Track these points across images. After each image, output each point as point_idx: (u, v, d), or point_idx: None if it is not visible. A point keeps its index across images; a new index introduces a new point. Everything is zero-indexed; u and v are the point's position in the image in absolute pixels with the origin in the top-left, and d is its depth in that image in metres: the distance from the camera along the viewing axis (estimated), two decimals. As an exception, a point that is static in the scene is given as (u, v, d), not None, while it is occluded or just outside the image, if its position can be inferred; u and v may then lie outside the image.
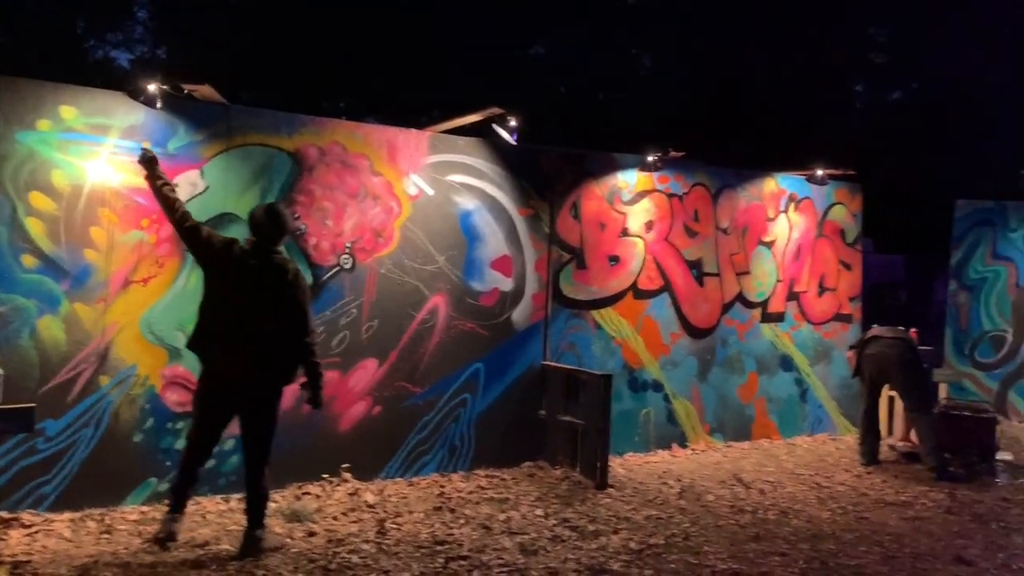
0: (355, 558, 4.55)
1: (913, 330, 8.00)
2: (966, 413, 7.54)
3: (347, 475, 5.95)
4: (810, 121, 20.86)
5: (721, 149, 13.92)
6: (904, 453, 7.49)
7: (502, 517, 5.34)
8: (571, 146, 7.61)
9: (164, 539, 4.53)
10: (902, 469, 7.08)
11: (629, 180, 7.32)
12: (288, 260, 4.61)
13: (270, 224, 4.55)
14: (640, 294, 7.37)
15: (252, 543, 4.51)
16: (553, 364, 6.77)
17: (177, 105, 5.39)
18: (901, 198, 21.35)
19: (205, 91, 5.35)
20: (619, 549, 4.82)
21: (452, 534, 5.01)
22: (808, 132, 19.26)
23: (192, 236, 4.56)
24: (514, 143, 6.43)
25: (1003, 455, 7.53)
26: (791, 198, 8.32)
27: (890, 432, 8.06)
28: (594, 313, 7.13)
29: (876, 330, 7.35)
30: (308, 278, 5.78)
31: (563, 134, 16.66)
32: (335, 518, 5.24)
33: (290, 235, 4.69)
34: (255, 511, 4.56)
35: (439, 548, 4.75)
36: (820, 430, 8.38)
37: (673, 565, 4.60)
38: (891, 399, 7.99)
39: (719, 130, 17.83)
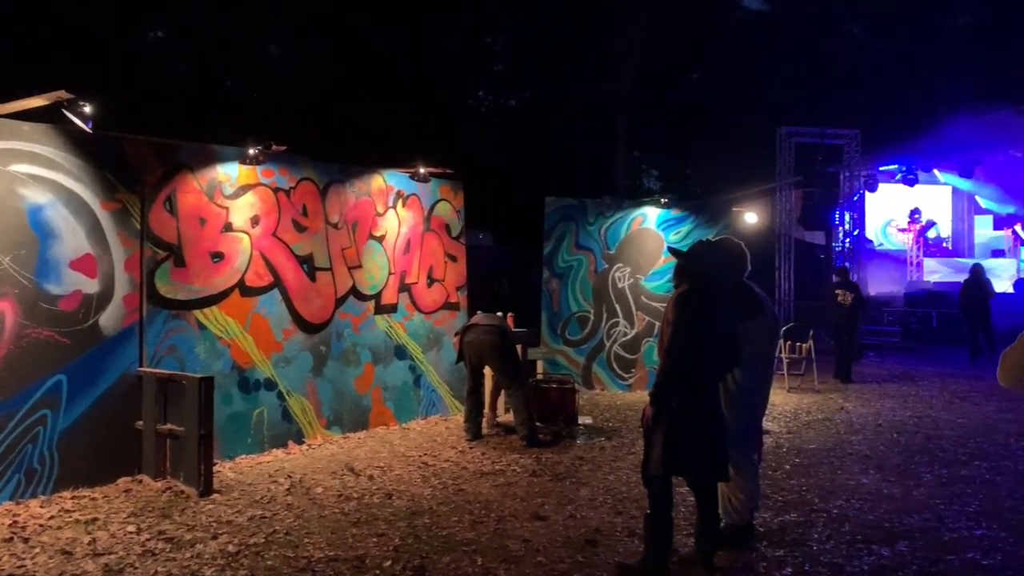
0: None
1: (510, 315, 8.82)
2: (552, 385, 8.50)
3: None
4: (433, 121, 21.93)
5: (340, 145, 14.09)
6: (502, 424, 8.21)
7: (87, 539, 4.89)
8: (184, 137, 7.16)
9: None
10: (500, 441, 7.75)
11: (230, 173, 7.08)
12: None
13: None
14: (248, 291, 7.18)
15: None
16: (150, 370, 6.33)
17: None
18: (516, 195, 23.37)
19: None
20: (216, 554, 4.66)
21: (24, 566, 4.47)
22: (431, 132, 20.24)
23: None
24: (89, 130, 5.88)
25: (584, 419, 8.60)
26: (399, 194, 8.68)
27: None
28: (197, 313, 6.80)
29: (476, 318, 7.96)
30: None
31: (181, 123, 15.66)
32: None
33: None
34: None
35: (2, 585, 4.22)
36: (433, 412, 8.87)
37: (270, 562, 4.57)
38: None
39: (340, 125, 18.00)
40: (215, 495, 5.83)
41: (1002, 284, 19.05)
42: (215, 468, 6.18)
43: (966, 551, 4.86)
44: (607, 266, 10.93)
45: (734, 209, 11.84)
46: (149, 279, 6.45)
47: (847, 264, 15.37)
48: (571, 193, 11.78)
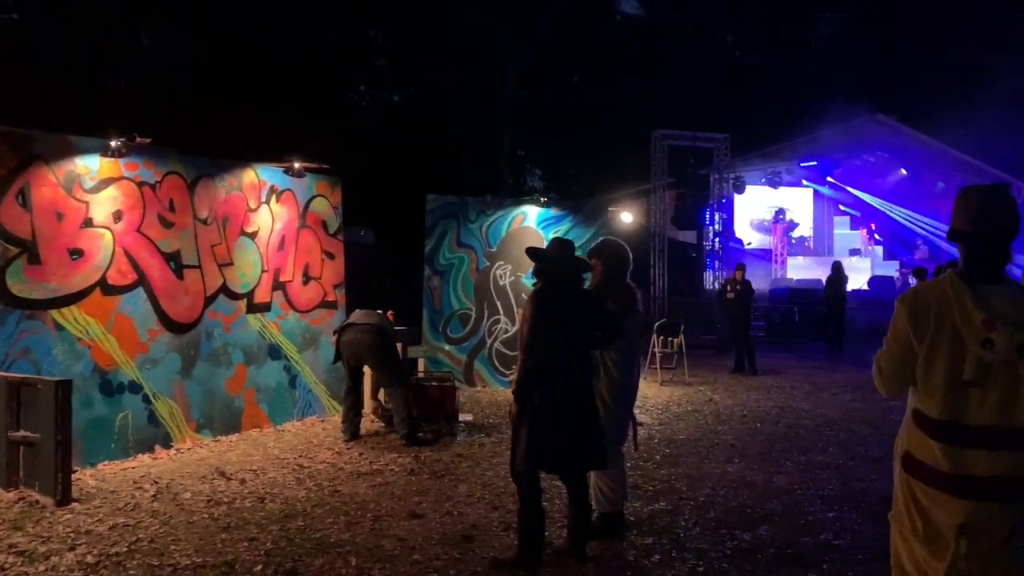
0: None
1: (390, 312, 8.74)
2: (433, 384, 8.50)
3: None
4: (311, 115, 21.46)
5: (211, 138, 13.61)
6: (383, 424, 8.14)
7: (-74, 557, 4.55)
8: (43, 127, 6.71)
9: None
10: (379, 440, 7.68)
11: (91, 166, 6.72)
12: None
13: None
14: (110, 290, 6.83)
15: None
16: (1, 374, 5.93)
17: None
18: (399, 192, 23.19)
19: None
20: (73, 566, 4.43)
21: None
22: (308, 126, 19.81)
23: None
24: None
25: (465, 417, 8.63)
26: (272, 189, 8.45)
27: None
28: (53, 313, 6.41)
29: (354, 316, 7.85)
30: None
31: (39, 112, 14.75)
32: None
33: None
34: None
35: None
36: (310, 413, 8.68)
37: (133, 571, 4.38)
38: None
39: (211, 117, 17.38)
40: (74, 504, 5.53)
41: (858, 281, 20.35)
42: (74, 476, 5.87)
43: (820, 532, 5.17)
44: (488, 264, 11.00)
45: (611, 209, 12.15)
46: (0, 277, 6.04)
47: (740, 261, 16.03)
48: (456, 191, 11.81)
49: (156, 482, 6.12)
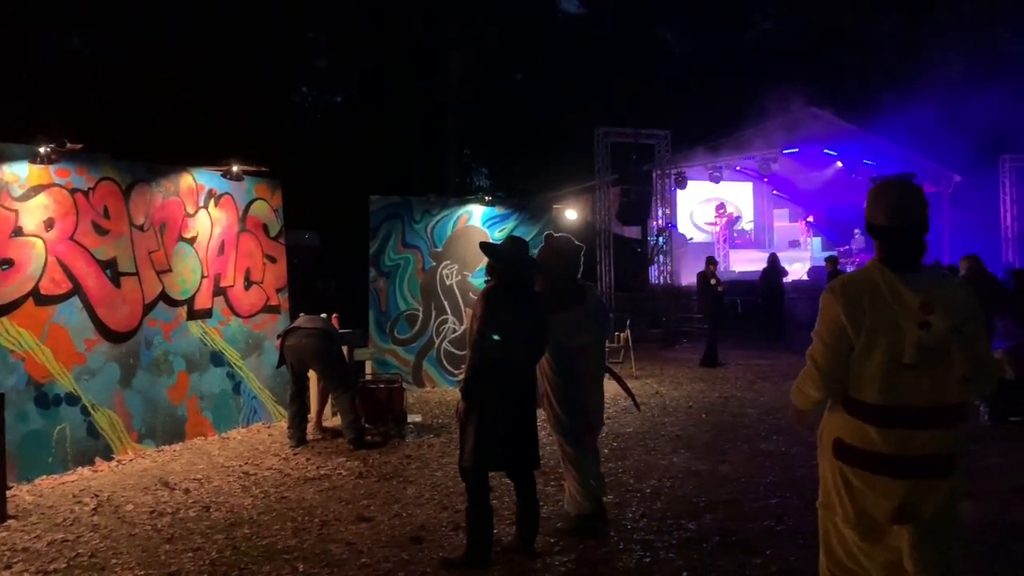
0: None
1: (335, 315, 8.66)
2: (380, 386, 8.45)
3: None
4: (252, 117, 21.13)
5: (147, 142, 13.32)
6: (329, 429, 8.06)
7: None
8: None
9: None
10: (327, 445, 7.61)
11: (19, 173, 6.53)
12: None
13: None
14: (43, 300, 6.64)
15: None
16: (-72, 389, 5.74)
17: None
18: (343, 193, 22.96)
19: None
20: (8, 586, 4.32)
21: None
22: (249, 128, 19.49)
23: None
24: None
25: (414, 418, 8.61)
26: (210, 193, 8.31)
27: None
28: (-17, 325, 6.23)
29: (298, 320, 7.75)
30: None
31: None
32: None
33: None
34: None
35: None
36: (255, 420, 8.56)
37: (72, 588, 4.28)
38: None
39: (147, 121, 17.00)
40: (10, 521, 5.38)
41: (798, 272, 20.79)
42: (10, 492, 5.73)
43: (763, 519, 5.28)
44: (434, 264, 10.97)
45: (556, 206, 12.22)
46: (-77, 290, 5.84)
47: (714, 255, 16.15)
48: (401, 191, 11.77)
49: (96, 495, 5.98)
